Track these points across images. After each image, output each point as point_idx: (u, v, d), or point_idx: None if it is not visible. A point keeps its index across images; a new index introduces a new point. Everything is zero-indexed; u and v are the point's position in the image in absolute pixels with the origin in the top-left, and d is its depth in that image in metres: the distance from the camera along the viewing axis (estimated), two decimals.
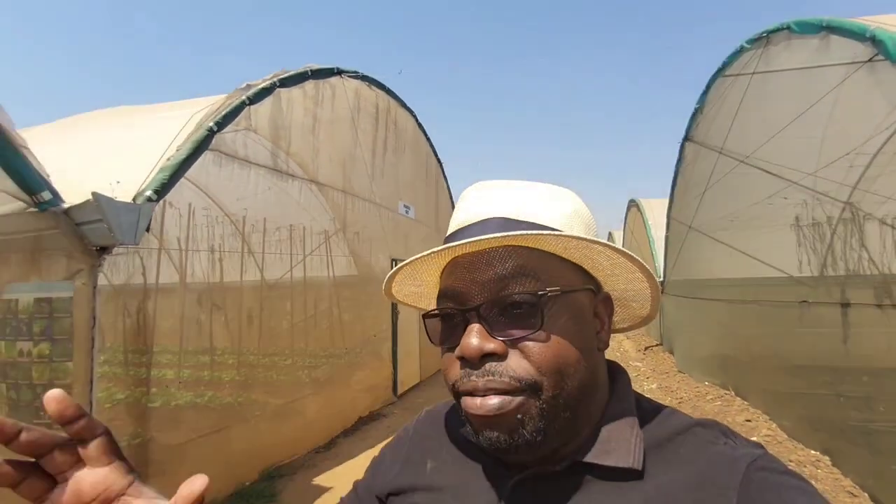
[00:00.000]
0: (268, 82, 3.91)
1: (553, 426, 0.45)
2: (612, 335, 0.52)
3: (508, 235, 0.44)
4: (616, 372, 0.54)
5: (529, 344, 0.44)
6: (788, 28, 3.82)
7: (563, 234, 0.46)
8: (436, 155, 8.50)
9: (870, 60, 2.83)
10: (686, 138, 7.22)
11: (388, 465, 0.62)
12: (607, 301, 0.52)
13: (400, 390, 6.28)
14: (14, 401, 2.47)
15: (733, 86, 5.35)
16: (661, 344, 9.56)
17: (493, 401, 0.43)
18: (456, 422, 0.59)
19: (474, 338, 0.44)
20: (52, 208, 2.25)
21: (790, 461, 3.66)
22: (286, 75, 4.14)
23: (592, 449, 0.47)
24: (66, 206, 2.28)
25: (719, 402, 5.24)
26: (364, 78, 5.57)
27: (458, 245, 0.45)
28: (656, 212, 11.40)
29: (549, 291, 0.45)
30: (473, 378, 0.44)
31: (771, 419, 4.49)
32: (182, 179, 3.01)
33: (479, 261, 0.47)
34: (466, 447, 0.56)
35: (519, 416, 0.44)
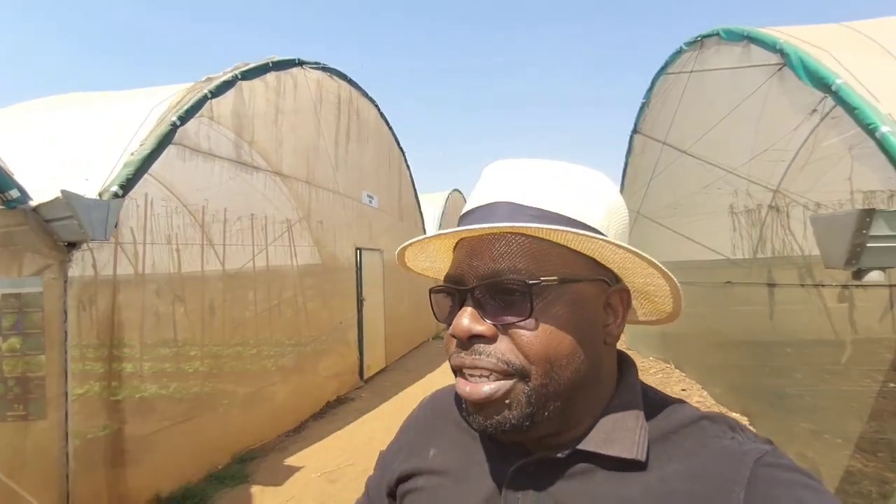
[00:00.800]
0: (229, 75, 3.94)
1: (542, 413, 0.45)
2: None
3: (498, 227, 0.45)
4: (625, 363, 0.53)
5: (520, 331, 0.44)
6: (718, 34, 4.21)
7: (558, 229, 0.44)
8: (398, 144, 8.61)
9: (779, 70, 3.22)
10: (634, 130, 7.68)
11: (394, 455, 0.63)
12: (623, 293, 0.50)
13: (366, 375, 6.49)
14: None
15: (675, 83, 5.77)
16: None
17: (485, 387, 0.44)
18: (457, 407, 0.59)
19: (465, 318, 0.45)
20: (20, 206, 2.30)
21: None
22: (247, 67, 4.17)
23: (596, 438, 0.46)
24: (34, 203, 2.33)
25: (660, 375, 5.76)
26: (325, 69, 5.62)
27: (455, 232, 0.47)
28: None
29: (543, 281, 0.45)
30: (462, 355, 0.46)
31: (703, 388, 5.01)
32: (146, 174, 3.06)
33: (480, 245, 0.47)
34: (468, 432, 0.56)
35: (507, 401, 0.44)
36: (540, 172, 0.49)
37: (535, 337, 0.44)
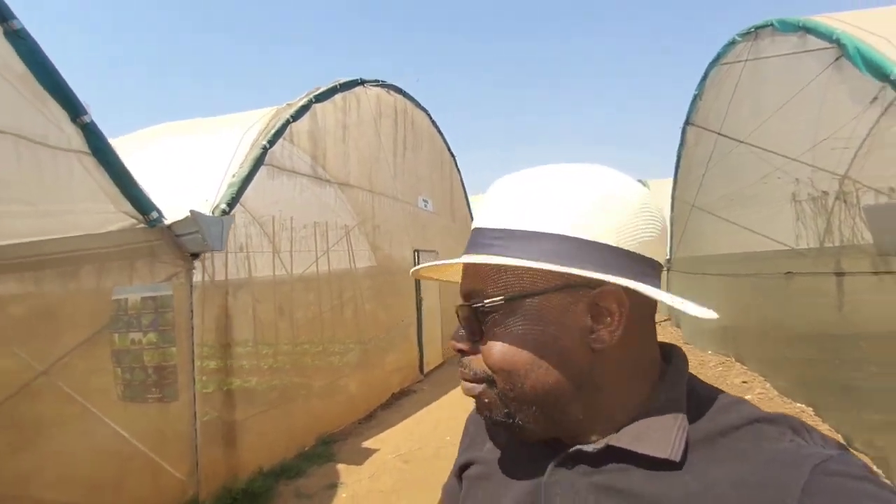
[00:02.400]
0: (304, 100, 4.41)
1: (521, 415, 0.48)
2: None
3: (432, 265, 0.55)
4: (673, 357, 0.51)
5: (483, 347, 0.49)
6: (772, 25, 4.20)
7: (470, 260, 0.49)
8: (449, 149, 8.94)
9: (836, 60, 3.23)
10: (687, 122, 7.58)
11: (462, 444, 0.67)
12: (615, 295, 0.46)
13: (426, 369, 6.87)
14: (129, 381, 3.06)
15: (728, 74, 5.71)
16: (669, 319, 10.01)
17: (466, 385, 0.51)
18: None
19: (455, 336, 0.52)
20: (158, 224, 2.81)
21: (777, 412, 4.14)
22: (319, 91, 4.64)
23: (628, 435, 0.46)
24: (168, 221, 2.83)
25: (720, 368, 5.71)
26: (384, 84, 6.04)
27: (422, 267, 0.58)
28: (662, 192, 11.75)
29: (488, 303, 0.48)
30: (460, 368, 0.53)
31: (766, 380, 4.95)
32: (245, 192, 3.54)
33: (468, 270, 0.53)
34: None
35: (486, 400, 0.50)
36: (514, 187, 0.50)
37: (492, 351, 0.48)
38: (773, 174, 4.97)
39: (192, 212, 2.78)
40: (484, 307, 0.48)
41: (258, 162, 3.71)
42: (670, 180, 8.99)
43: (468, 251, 0.51)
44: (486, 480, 0.57)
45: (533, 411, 0.48)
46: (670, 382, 0.49)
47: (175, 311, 3.01)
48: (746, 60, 5.17)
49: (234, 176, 3.52)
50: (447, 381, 6.50)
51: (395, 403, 5.46)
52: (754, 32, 4.68)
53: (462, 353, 0.51)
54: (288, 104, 4.32)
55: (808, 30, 3.60)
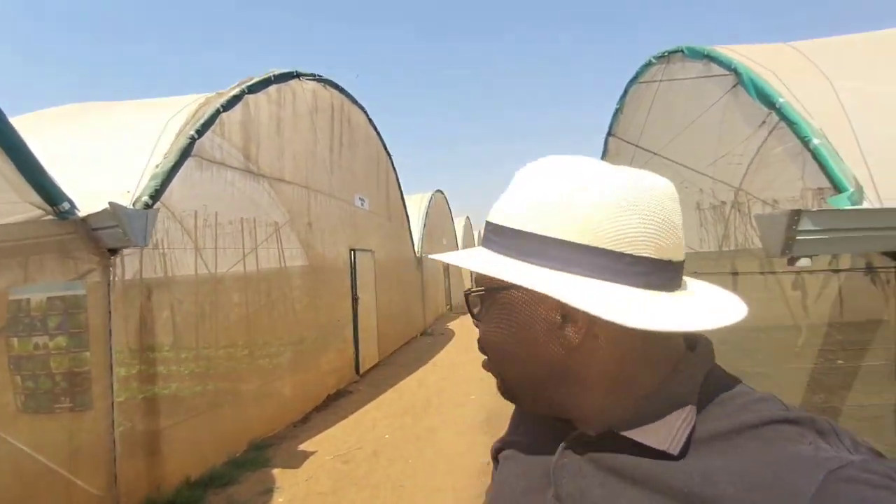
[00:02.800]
0: (237, 90, 4.20)
1: (518, 391, 0.53)
2: None
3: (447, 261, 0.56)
4: (697, 346, 0.50)
5: (479, 328, 0.54)
6: (682, 51, 4.68)
7: (441, 258, 0.55)
8: (385, 148, 8.91)
9: (734, 87, 3.69)
10: (609, 133, 8.17)
11: (509, 427, 0.69)
12: None
13: (362, 369, 6.79)
14: (32, 389, 2.74)
15: (645, 91, 6.26)
16: None
17: (484, 359, 0.55)
18: None
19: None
20: (70, 217, 2.55)
21: None
22: (252, 82, 4.43)
23: (629, 423, 0.45)
24: (82, 214, 2.58)
25: None
26: (320, 79, 5.89)
27: (444, 259, 0.57)
28: None
29: (474, 291, 0.53)
30: None
31: None
32: (170, 185, 3.31)
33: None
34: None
35: (493, 374, 0.54)
36: (515, 179, 0.51)
37: (484, 333, 0.53)
38: (682, 184, 5.54)
39: (111, 204, 2.56)
40: (470, 294, 0.53)
41: (185, 152, 3.48)
42: None
43: (485, 244, 0.53)
44: (511, 460, 0.60)
45: (529, 392, 0.51)
46: (685, 375, 0.47)
47: (89, 313, 2.75)
48: (660, 81, 5.71)
49: (157, 167, 3.28)
50: (384, 380, 6.48)
51: (331, 405, 5.36)
52: (667, 56, 5.18)
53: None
54: (218, 93, 4.09)
55: (711, 58, 4.07)
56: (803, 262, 2.19)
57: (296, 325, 5.10)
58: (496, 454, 0.66)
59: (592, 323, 0.45)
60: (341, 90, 6.67)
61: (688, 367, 0.47)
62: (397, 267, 9.29)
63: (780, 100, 3.09)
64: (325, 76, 6.05)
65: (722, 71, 3.93)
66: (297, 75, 5.30)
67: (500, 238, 0.49)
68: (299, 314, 5.19)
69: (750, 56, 3.78)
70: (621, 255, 0.44)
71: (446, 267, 14.74)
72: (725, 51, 3.96)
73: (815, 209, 2.21)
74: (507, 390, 0.53)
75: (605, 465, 0.46)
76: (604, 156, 8.87)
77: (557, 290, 0.43)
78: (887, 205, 2.32)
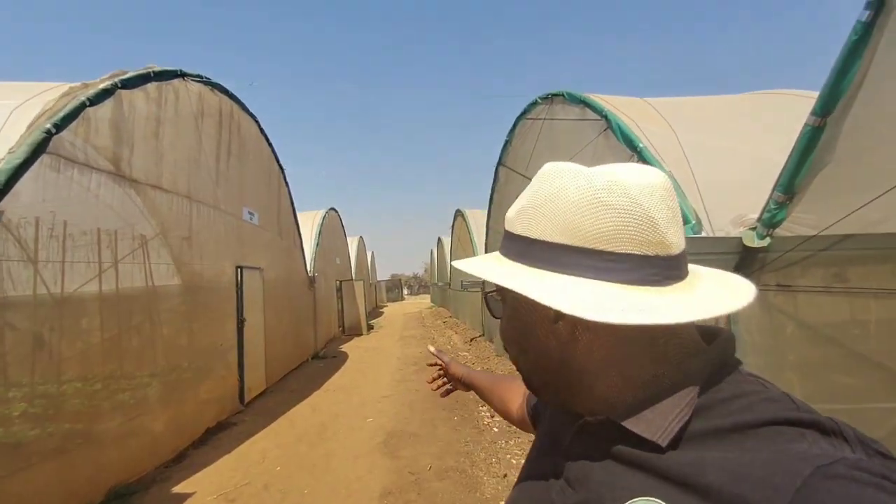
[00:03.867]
0: (108, 83, 3.71)
1: (535, 380, 0.57)
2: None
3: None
4: (714, 342, 0.50)
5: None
6: (563, 95, 5.33)
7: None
8: (277, 160, 8.48)
9: (605, 130, 4.31)
10: (499, 163, 8.83)
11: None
12: None
13: (247, 398, 6.23)
14: None
15: (532, 127, 6.94)
16: (483, 335, 11.24)
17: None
18: None
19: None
20: None
21: None
22: (127, 76, 3.95)
23: (626, 413, 0.47)
24: None
25: None
26: (208, 82, 5.46)
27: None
28: (479, 220, 13.30)
29: (488, 292, 0.61)
30: None
31: None
32: (16, 185, 2.79)
33: None
34: None
35: (519, 369, 0.59)
36: (528, 197, 0.53)
37: (501, 329, 0.59)
38: None
39: None
40: (489, 295, 0.62)
41: (38, 149, 2.97)
42: (486, 211, 10.25)
43: (502, 251, 0.58)
44: (535, 445, 0.66)
45: (542, 380, 0.56)
46: (692, 369, 0.47)
47: None
48: (544, 119, 6.40)
49: (0, 161, 2.74)
50: (273, 408, 6.01)
51: (210, 439, 4.80)
52: (550, 98, 5.84)
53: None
54: (84, 83, 3.57)
55: (586, 104, 4.70)
56: None
57: (167, 351, 4.52)
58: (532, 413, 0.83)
59: (578, 318, 0.45)
60: (231, 96, 6.25)
61: (697, 361, 0.48)
62: (288, 287, 8.78)
63: (640, 145, 3.69)
64: (214, 80, 5.63)
65: (595, 116, 4.56)
66: (182, 74, 4.86)
67: (505, 241, 0.55)
68: (171, 339, 4.62)
69: (616, 105, 4.46)
70: (601, 252, 0.46)
71: (339, 288, 14.29)
72: (598, 99, 4.61)
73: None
74: (525, 381, 0.59)
75: (606, 451, 0.49)
76: (494, 183, 9.53)
77: (532, 289, 0.47)
78: (718, 234, 2.91)
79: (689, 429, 0.44)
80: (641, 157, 3.65)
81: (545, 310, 0.49)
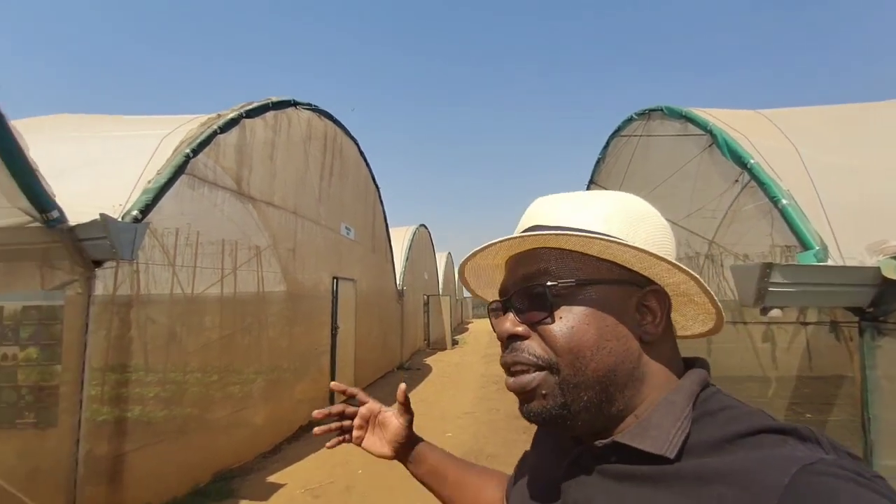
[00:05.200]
0: (235, 113, 4.28)
1: (577, 404, 0.50)
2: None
3: (510, 238, 0.54)
4: (693, 366, 0.54)
5: (546, 328, 0.50)
6: (662, 110, 5.02)
7: (551, 233, 0.51)
8: (374, 180, 9.05)
9: (709, 146, 3.97)
10: (591, 181, 8.53)
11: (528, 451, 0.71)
12: (658, 294, 0.53)
13: (337, 401, 6.59)
14: None
15: (626, 144, 6.62)
16: None
17: (520, 378, 0.51)
18: None
19: (505, 323, 0.53)
20: (59, 225, 2.52)
21: None
22: (251, 107, 4.53)
23: (631, 432, 0.49)
24: (71, 223, 2.55)
25: None
26: (316, 109, 6.05)
27: (484, 248, 0.56)
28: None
29: (561, 283, 0.51)
30: (504, 355, 0.53)
31: None
32: (161, 200, 3.31)
33: (516, 262, 0.56)
34: (553, 436, 0.63)
35: (543, 391, 0.50)
36: (562, 200, 0.57)
37: (558, 332, 0.50)
38: None
39: (102, 216, 2.54)
40: (557, 287, 0.51)
41: (179, 170, 3.50)
42: None
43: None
44: (522, 479, 0.63)
45: (590, 399, 0.50)
46: (683, 387, 0.51)
47: (64, 325, 2.67)
48: (641, 136, 6.07)
49: (150, 182, 3.28)
50: None
51: (303, 436, 5.18)
52: (647, 113, 5.54)
53: (515, 337, 0.52)
54: (218, 114, 4.16)
55: (688, 118, 4.38)
56: (774, 313, 2.33)
57: (270, 352, 4.98)
58: (514, 479, 0.69)
59: (666, 316, 0.52)
60: (335, 121, 6.83)
61: (687, 381, 0.51)
62: (379, 298, 9.24)
63: (752, 161, 3.34)
64: (321, 107, 6.22)
65: (698, 131, 4.22)
66: (294, 104, 5.44)
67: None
68: (275, 341, 5.08)
69: (723, 119, 4.09)
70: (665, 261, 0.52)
71: (426, 302, 14.68)
72: (701, 113, 4.28)
73: (785, 263, 2.36)
74: (569, 400, 0.50)
75: (608, 473, 0.50)
76: None
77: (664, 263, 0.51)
78: (849, 263, 2.51)
79: (689, 441, 0.47)
80: (753, 174, 3.29)
81: (632, 311, 0.52)
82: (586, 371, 0.49)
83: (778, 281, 2.24)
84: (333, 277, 6.67)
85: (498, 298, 0.57)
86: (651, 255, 0.50)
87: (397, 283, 11.13)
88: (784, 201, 2.98)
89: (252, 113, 4.55)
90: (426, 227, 15.79)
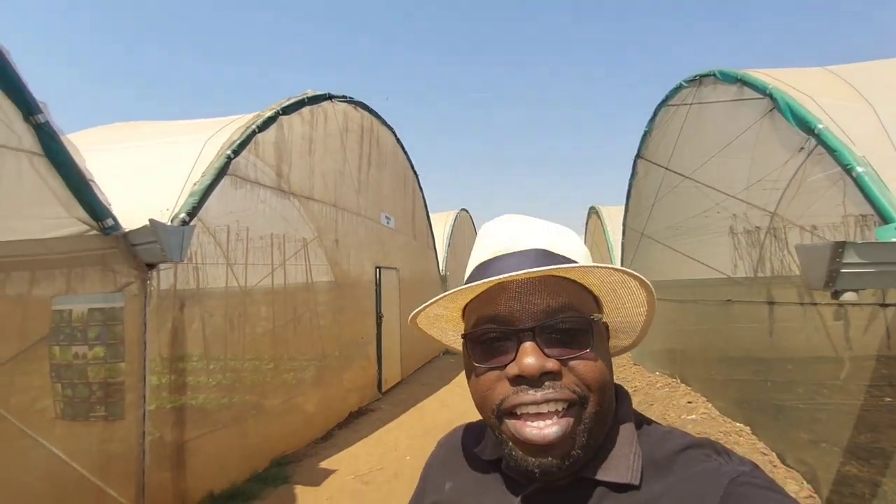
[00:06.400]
0: (272, 111, 4.36)
1: (591, 441, 0.49)
2: None
3: (579, 267, 0.50)
4: (620, 393, 0.56)
5: (579, 363, 0.48)
6: (714, 75, 4.63)
7: (611, 267, 0.50)
8: (412, 168, 9.04)
9: (770, 111, 3.61)
10: (638, 156, 8.09)
11: (419, 490, 0.67)
12: (607, 329, 0.57)
13: (384, 388, 6.78)
14: (70, 397, 2.84)
15: (675, 114, 6.19)
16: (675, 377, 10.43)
17: (553, 428, 0.46)
18: (470, 442, 0.65)
19: (531, 357, 0.47)
20: (114, 232, 2.67)
21: (719, 432, 4.43)
22: (287, 103, 4.60)
23: (594, 466, 0.49)
24: (125, 230, 2.70)
25: (667, 389, 6.03)
26: (351, 101, 6.07)
27: (525, 274, 0.48)
28: (614, 219, 12.40)
29: (594, 317, 0.51)
30: (531, 392, 0.47)
31: (708, 400, 5.28)
32: (207, 202, 3.44)
33: (529, 288, 0.50)
34: (480, 465, 0.60)
35: (573, 437, 0.47)
36: (550, 227, 0.57)
37: (594, 367, 0.49)
38: (714, 209, 5.40)
39: (151, 221, 2.67)
40: (593, 318, 0.51)
41: (222, 171, 3.62)
42: (622, 208, 9.50)
43: (530, 266, 0.50)
44: None
45: (598, 433, 0.50)
46: (624, 413, 0.54)
47: (125, 324, 2.85)
48: (691, 104, 5.65)
49: (195, 185, 3.41)
50: (406, 399, 6.44)
51: (352, 423, 5.35)
52: (698, 80, 5.13)
53: (547, 375, 0.48)
54: (256, 114, 4.26)
55: (744, 82, 4.00)
56: (848, 297, 2.09)
57: (320, 340, 5.14)
58: None
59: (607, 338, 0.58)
60: (371, 111, 6.84)
61: (624, 408, 0.55)
62: (422, 285, 9.31)
63: (820, 126, 3.01)
64: (356, 98, 6.23)
65: (756, 95, 3.86)
66: (330, 97, 5.47)
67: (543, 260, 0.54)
68: (324, 330, 5.24)
69: (785, 80, 3.71)
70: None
71: None
72: (759, 75, 3.90)
73: (860, 241, 2.11)
74: (593, 439, 0.49)
75: None
76: (632, 178, 8.76)
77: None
78: None
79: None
80: (821, 140, 2.96)
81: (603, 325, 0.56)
82: (605, 405, 0.50)
83: (853, 261, 2.01)
84: (376, 267, 6.77)
85: (501, 325, 0.51)
86: (652, 299, 0.56)
87: (440, 268, 11.17)
88: (859, 169, 2.67)
89: (289, 109, 4.62)
90: (467, 212, 15.70)
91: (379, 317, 6.76)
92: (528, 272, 0.48)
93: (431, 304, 0.57)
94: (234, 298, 3.94)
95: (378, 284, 6.81)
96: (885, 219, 2.39)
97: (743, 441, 4.20)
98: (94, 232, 2.68)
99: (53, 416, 2.69)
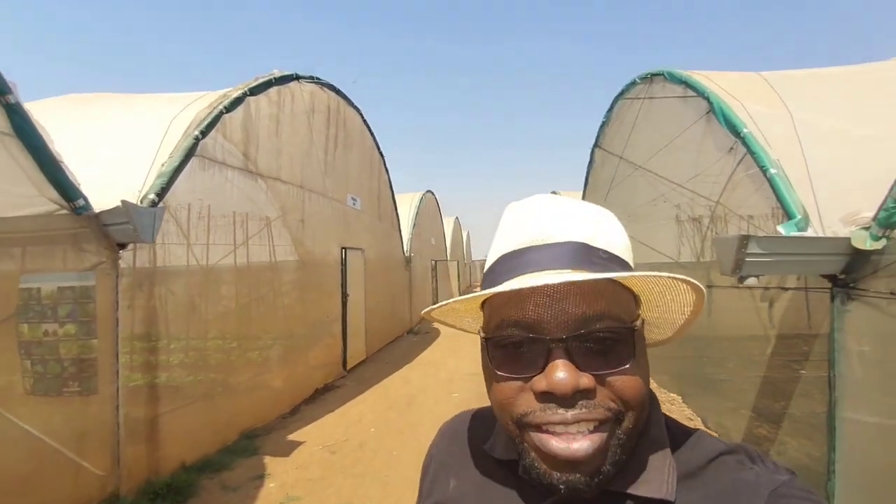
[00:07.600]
0: (240, 91, 4.37)
1: (624, 458, 0.44)
2: None
3: (631, 276, 0.44)
4: (650, 397, 0.49)
5: (617, 378, 0.43)
6: (663, 74, 4.98)
7: (667, 275, 0.45)
8: (378, 148, 9.10)
9: (707, 112, 3.99)
10: (595, 145, 8.49)
11: (424, 484, 0.62)
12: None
13: (349, 365, 6.99)
14: (41, 374, 2.91)
15: (630, 107, 6.57)
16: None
17: (584, 443, 0.41)
18: (477, 438, 0.59)
19: (564, 372, 0.41)
20: (85, 213, 2.72)
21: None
22: (255, 84, 4.61)
23: (626, 479, 0.45)
24: (97, 210, 2.75)
25: None
26: (318, 81, 6.07)
27: (563, 282, 0.43)
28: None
29: (636, 325, 0.45)
30: (560, 412, 0.42)
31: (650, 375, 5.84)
32: (175, 183, 3.48)
33: (562, 291, 0.44)
34: (488, 463, 0.55)
35: (603, 453, 0.42)
36: (582, 212, 0.49)
37: (633, 382, 0.43)
38: (661, 198, 5.85)
39: (123, 202, 2.73)
40: (634, 328, 0.45)
41: (189, 152, 3.65)
42: (580, 193, 9.96)
43: (563, 263, 0.45)
44: None
45: (630, 448, 0.45)
46: (654, 420, 0.49)
47: (97, 303, 2.92)
48: (644, 98, 6.02)
49: (163, 165, 3.45)
50: (370, 376, 6.69)
51: (318, 398, 5.55)
52: (650, 77, 5.49)
53: (580, 393, 0.42)
54: (223, 94, 4.26)
55: (688, 84, 4.37)
56: (751, 281, 2.47)
57: (285, 319, 5.27)
58: None
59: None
60: (338, 92, 6.85)
61: (654, 414, 0.49)
62: (387, 266, 9.49)
63: (745, 130, 3.39)
64: (324, 79, 6.23)
65: (697, 95, 4.23)
66: (297, 77, 5.48)
67: (615, 265, 0.48)
68: (289, 309, 5.36)
69: (722, 84, 4.09)
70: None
71: (433, 267, 14.97)
72: (701, 78, 4.26)
73: (761, 235, 2.49)
74: (626, 455, 0.45)
75: None
76: (590, 166, 9.18)
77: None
78: (828, 232, 2.62)
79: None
80: (745, 143, 3.35)
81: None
82: (642, 420, 0.46)
83: (754, 251, 2.37)
84: (342, 248, 6.89)
85: (527, 332, 0.45)
86: (701, 303, 0.51)
87: (405, 249, 11.35)
88: (772, 170, 3.07)
89: (256, 90, 4.63)
90: (433, 193, 15.85)
91: (345, 296, 6.92)
92: (568, 279, 0.41)
93: (449, 303, 0.51)
94: (196, 277, 3.98)
95: (344, 265, 6.94)
96: (788, 215, 2.79)
97: (674, 409, 4.74)
98: (64, 212, 2.72)
99: (22, 393, 2.75)
